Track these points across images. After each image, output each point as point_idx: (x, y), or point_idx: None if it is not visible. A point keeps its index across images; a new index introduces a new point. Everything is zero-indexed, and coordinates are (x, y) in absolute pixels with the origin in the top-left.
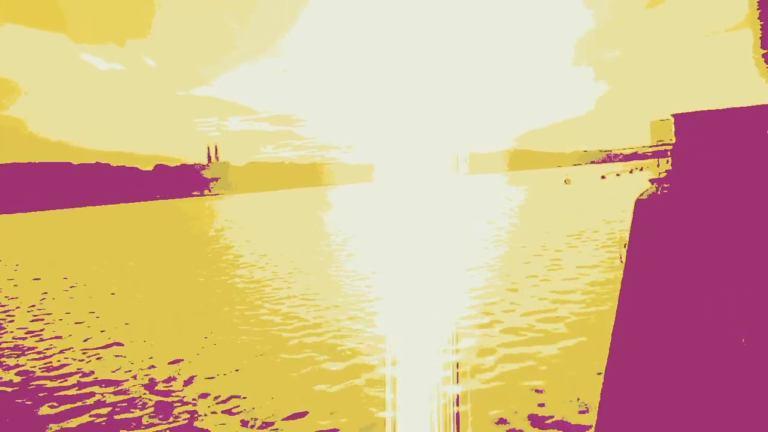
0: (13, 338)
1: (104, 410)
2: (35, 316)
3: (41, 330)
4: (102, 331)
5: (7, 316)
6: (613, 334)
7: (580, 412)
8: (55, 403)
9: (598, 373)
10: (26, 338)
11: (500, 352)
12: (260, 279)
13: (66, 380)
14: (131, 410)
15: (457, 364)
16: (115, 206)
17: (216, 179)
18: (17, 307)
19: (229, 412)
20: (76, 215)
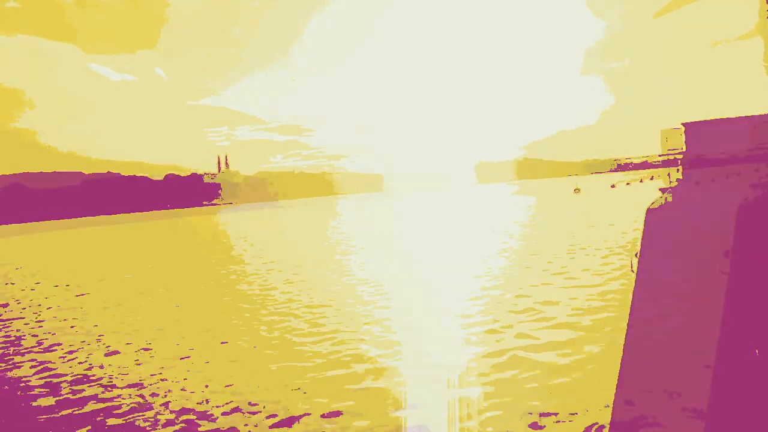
0: (22, 347)
1: (119, 410)
2: (46, 322)
3: (52, 337)
4: (114, 339)
5: (20, 322)
6: (625, 342)
7: (592, 420)
8: (70, 407)
9: (611, 381)
10: (39, 343)
11: (510, 361)
12: (272, 288)
13: (77, 385)
14: (144, 412)
15: (468, 370)
16: (125, 215)
17: (226, 188)
18: (28, 315)
19: (236, 414)
20: (87, 224)
